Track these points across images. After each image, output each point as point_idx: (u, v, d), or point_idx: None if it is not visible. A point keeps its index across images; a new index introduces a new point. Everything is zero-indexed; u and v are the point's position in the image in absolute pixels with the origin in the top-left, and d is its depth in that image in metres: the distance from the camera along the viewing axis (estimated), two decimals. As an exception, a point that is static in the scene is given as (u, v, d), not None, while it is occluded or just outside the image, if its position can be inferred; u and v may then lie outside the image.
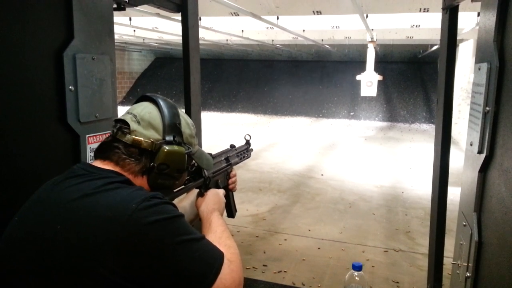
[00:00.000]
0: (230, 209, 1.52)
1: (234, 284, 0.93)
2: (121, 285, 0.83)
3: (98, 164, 1.00)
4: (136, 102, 1.10)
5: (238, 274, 0.95)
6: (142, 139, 1.00)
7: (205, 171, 1.29)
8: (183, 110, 1.21)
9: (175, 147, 1.04)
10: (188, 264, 0.88)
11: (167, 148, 1.02)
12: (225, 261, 0.94)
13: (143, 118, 1.02)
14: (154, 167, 1.01)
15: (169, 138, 1.03)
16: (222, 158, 1.44)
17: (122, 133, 1.00)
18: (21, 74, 1.36)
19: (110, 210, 0.85)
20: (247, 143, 1.62)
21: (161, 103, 1.06)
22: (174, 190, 1.17)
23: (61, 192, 0.92)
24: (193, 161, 1.17)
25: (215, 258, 0.93)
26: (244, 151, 1.60)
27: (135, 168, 1.00)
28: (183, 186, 1.22)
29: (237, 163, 1.52)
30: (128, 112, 1.05)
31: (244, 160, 1.60)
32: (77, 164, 1.01)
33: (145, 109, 1.04)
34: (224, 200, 1.30)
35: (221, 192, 1.31)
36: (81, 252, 0.83)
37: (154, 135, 1.02)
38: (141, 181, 1.02)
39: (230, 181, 1.48)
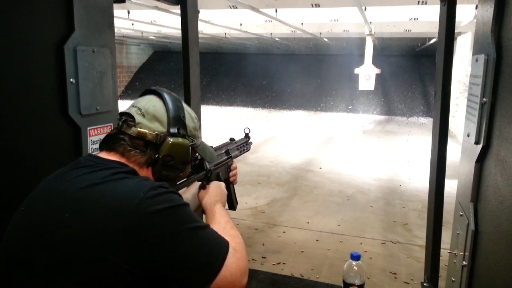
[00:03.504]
0: (231, 202, 1.53)
1: (240, 272, 0.93)
2: (130, 273, 0.85)
3: (104, 155, 1.02)
4: (141, 96, 1.11)
5: (243, 263, 0.96)
6: (147, 131, 1.01)
7: (206, 163, 1.31)
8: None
9: (180, 139, 1.05)
10: (194, 252, 0.89)
11: (171, 140, 1.03)
12: (231, 250, 0.94)
13: (148, 111, 1.03)
14: (158, 159, 1.03)
15: (173, 130, 1.04)
16: (223, 151, 1.46)
17: (127, 126, 1.02)
18: (22, 67, 1.37)
19: (118, 200, 0.87)
20: (247, 136, 1.64)
21: (166, 96, 1.07)
22: (177, 183, 1.19)
23: (68, 182, 0.93)
24: (196, 154, 1.19)
25: (221, 247, 0.93)
26: (244, 144, 1.61)
27: (141, 160, 1.02)
28: (185, 179, 1.24)
29: (237, 156, 1.53)
30: (133, 105, 1.06)
31: (244, 153, 1.61)
32: (83, 156, 1.03)
33: (150, 102, 1.06)
34: (226, 192, 1.31)
35: (223, 184, 1.33)
36: (90, 240, 0.84)
37: (159, 128, 1.03)
38: (146, 173, 1.03)
39: (231, 173, 1.50)
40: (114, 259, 0.83)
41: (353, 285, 1.47)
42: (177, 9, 2.44)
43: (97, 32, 1.65)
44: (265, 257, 3.87)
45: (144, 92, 1.13)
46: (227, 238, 0.98)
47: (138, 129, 1.01)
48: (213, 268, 0.90)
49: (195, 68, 2.49)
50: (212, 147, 1.35)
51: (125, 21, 8.00)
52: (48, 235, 0.87)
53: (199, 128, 1.18)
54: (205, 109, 13.94)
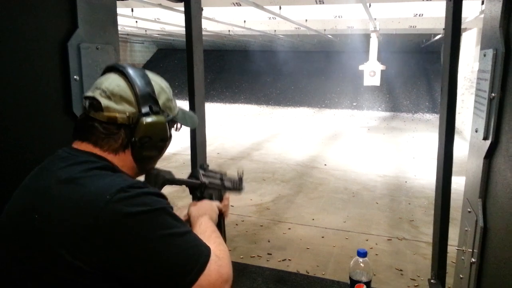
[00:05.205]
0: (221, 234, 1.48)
1: (221, 280, 0.88)
2: (97, 280, 0.81)
3: (78, 145, 0.96)
4: (102, 74, 1.03)
5: (226, 270, 0.90)
6: (116, 114, 0.94)
7: (201, 176, 1.27)
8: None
9: (154, 118, 0.98)
10: (168, 259, 0.83)
11: (145, 120, 0.96)
12: (213, 256, 0.89)
13: (113, 92, 0.95)
14: (136, 141, 0.97)
15: (145, 109, 0.97)
16: (218, 176, 1.40)
17: (94, 111, 0.95)
18: (26, 64, 1.36)
19: (84, 201, 0.82)
20: (240, 179, 1.56)
21: (129, 72, 0.98)
22: (173, 179, 1.15)
23: (43, 178, 0.91)
24: (177, 124, 1.12)
25: (199, 255, 0.87)
26: (238, 182, 1.55)
27: (115, 146, 0.96)
28: (182, 178, 1.20)
29: (229, 188, 1.45)
30: (96, 87, 0.97)
31: (235, 191, 1.52)
32: (62, 148, 0.97)
33: (113, 82, 0.97)
34: (217, 211, 1.25)
35: (215, 203, 1.27)
36: (55, 243, 0.81)
37: (129, 109, 0.95)
38: (124, 157, 0.98)
39: (222, 203, 1.40)
40: (79, 265, 0.80)
41: (360, 282, 1.46)
42: (180, 7, 2.43)
43: (101, 29, 1.64)
44: (270, 254, 3.87)
45: (105, 69, 1.04)
46: (211, 244, 0.94)
47: (107, 114, 0.94)
48: (188, 277, 0.84)
49: (199, 65, 2.47)
50: (207, 165, 1.33)
51: (129, 19, 8.00)
52: (24, 234, 0.85)
53: (173, 97, 1.09)
54: (209, 107, 13.97)
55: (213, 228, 1.08)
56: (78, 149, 0.95)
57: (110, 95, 0.95)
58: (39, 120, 1.43)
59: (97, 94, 0.95)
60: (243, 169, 1.59)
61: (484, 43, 1.38)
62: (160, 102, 1.02)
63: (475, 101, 1.41)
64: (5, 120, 1.31)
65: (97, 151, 0.95)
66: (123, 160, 0.98)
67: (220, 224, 1.38)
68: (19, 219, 0.87)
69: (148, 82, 1.00)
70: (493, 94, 1.22)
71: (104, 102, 0.94)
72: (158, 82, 1.05)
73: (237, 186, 1.53)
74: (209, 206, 1.21)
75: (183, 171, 6.57)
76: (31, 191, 0.91)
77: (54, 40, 1.46)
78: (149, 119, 0.97)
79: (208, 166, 1.40)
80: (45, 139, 1.46)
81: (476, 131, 1.36)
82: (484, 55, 1.32)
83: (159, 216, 0.86)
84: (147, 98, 0.98)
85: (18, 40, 1.32)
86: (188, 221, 1.18)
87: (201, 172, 1.31)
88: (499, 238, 1.18)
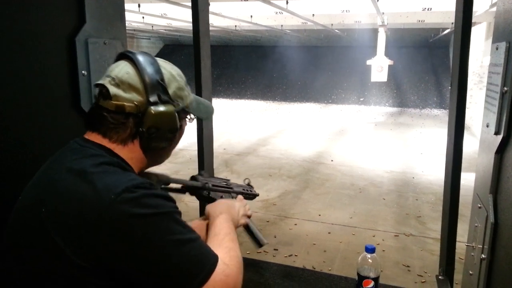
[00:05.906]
0: (254, 238, 1.43)
1: None
2: (98, 278, 0.81)
3: (89, 135, 0.96)
4: (115, 62, 1.01)
5: (233, 280, 0.87)
6: (125, 103, 0.92)
7: (200, 177, 1.25)
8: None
9: (162, 108, 0.95)
10: (168, 267, 0.80)
11: (153, 110, 0.93)
12: (220, 265, 0.85)
13: (122, 80, 0.93)
14: (144, 132, 0.94)
15: (153, 98, 0.94)
16: (222, 182, 1.38)
17: (103, 99, 0.93)
18: (34, 60, 1.36)
19: (89, 198, 0.81)
20: (249, 184, 1.56)
21: (138, 59, 0.96)
22: (172, 177, 1.14)
23: (53, 171, 0.90)
24: (190, 115, 1.08)
25: (204, 263, 0.84)
26: (248, 189, 1.52)
27: (123, 136, 0.94)
28: (180, 178, 1.20)
29: (241, 193, 1.44)
30: (106, 75, 0.96)
31: (249, 197, 1.50)
32: (75, 139, 0.97)
33: (122, 69, 0.95)
34: (236, 206, 1.23)
35: (234, 201, 1.25)
36: (59, 238, 0.80)
37: (137, 97, 0.93)
38: (133, 148, 0.96)
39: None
40: (79, 263, 0.79)
41: (368, 278, 1.46)
42: (187, 2, 2.42)
43: (108, 24, 1.64)
44: (276, 249, 3.87)
45: (117, 56, 1.03)
46: (221, 250, 0.91)
47: (115, 102, 0.92)
48: (189, 287, 0.81)
49: (206, 61, 2.46)
50: (205, 172, 1.33)
51: (135, 15, 8.01)
52: (26, 231, 0.85)
53: (186, 84, 1.05)
54: (216, 102, 13.95)
55: (228, 230, 1.04)
56: (89, 140, 0.94)
57: (119, 83, 0.93)
58: (47, 115, 1.43)
59: (106, 82, 0.94)
60: (249, 179, 1.56)
61: (497, 36, 1.36)
62: (170, 91, 0.98)
63: (487, 95, 1.39)
64: (13, 115, 1.31)
65: (106, 142, 0.94)
66: (132, 151, 0.96)
67: (249, 226, 1.38)
68: (27, 214, 0.87)
69: (157, 70, 0.97)
70: (505, 88, 1.20)
71: (113, 90, 0.92)
72: (168, 69, 1.01)
73: (249, 191, 1.51)
74: (225, 206, 1.17)
75: (189, 167, 6.58)
76: (41, 185, 0.90)
77: (62, 35, 1.46)
78: (157, 109, 0.94)
79: (205, 172, 1.37)
80: (53, 134, 1.46)
81: (487, 126, 1.34)
82: (497, 48, 1.30)
83: (163, 221, 0.83)
84: (155, 86, 0.95)
85: (26, 36, 1.32)
86: (207, 220, 1.15)
87: (199, 177, 1.29)
88: (511, 234, 1.16)
